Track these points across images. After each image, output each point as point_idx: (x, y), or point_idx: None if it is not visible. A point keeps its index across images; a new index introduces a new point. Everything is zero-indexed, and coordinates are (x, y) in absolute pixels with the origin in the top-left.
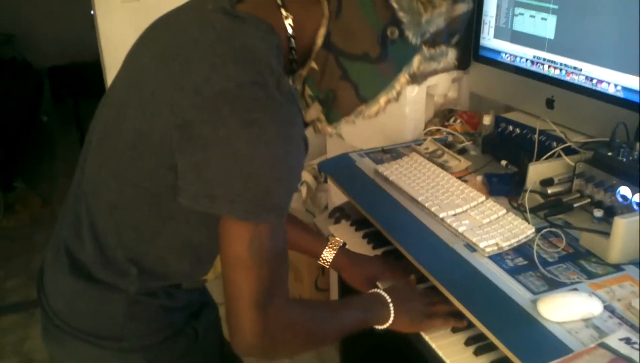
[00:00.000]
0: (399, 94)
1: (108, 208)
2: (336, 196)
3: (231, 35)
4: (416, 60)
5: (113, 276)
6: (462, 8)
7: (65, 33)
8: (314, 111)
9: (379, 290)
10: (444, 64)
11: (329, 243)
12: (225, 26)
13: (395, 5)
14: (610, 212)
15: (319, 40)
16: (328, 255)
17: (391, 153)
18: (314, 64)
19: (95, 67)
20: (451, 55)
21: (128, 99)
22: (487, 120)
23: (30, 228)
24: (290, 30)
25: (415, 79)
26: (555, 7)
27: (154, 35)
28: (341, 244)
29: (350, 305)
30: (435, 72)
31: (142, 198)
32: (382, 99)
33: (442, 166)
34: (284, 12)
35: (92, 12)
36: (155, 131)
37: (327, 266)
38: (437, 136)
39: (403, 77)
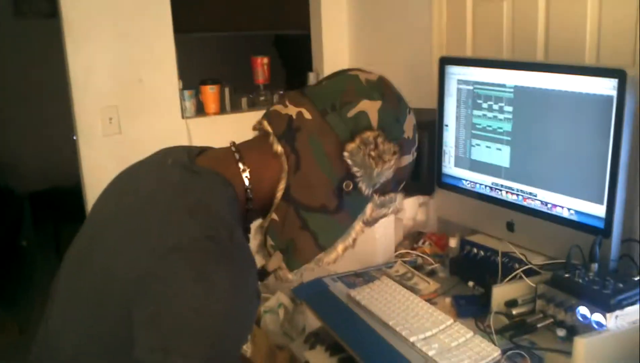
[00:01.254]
0: (354, 241)
1: (69, 361)
2: (313, 319)
3: (186, 189)
4: (369, 208)
5: None
6: (407, 160)
7: (47, 158)
8: (275, 261)
9: None
10: (392, 209)
11: None
12: (180, 181)
13: (349, 160)
14: (573, 331)
15: (279, 193)
16: None
17: (363, 276)
18: (274, 216)
19: (76, 192)
20: (399, 200)
21: (89, 254)
22: (452, 243)
23: (6, 357)
24: (247, 183)
25: (368, 224)
26: (509, 138)
27: (117, 188)
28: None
29: None
30: (385, 216)
31: (102, 353)
32: (340, 247)
33: (412, 289)
34: (241, 166)
35: (74, 137)
36: (113, 287)
37: None
38: (407, 259)
39: (358, 225)
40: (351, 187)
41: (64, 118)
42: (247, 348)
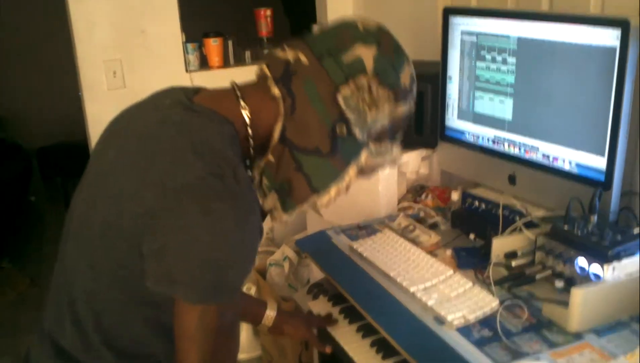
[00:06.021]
0: (348, 186)
1: (86, 295)
2: (317, 271)
3: (188, 129)
4: (363, 155)
5: (94, 360)
6: (403, 109)
7: (54, 114)
8: (270, 200)
9: None
10: (389, 159)
11: (268, 305)
12: (182, 120)
13: (342, 104)
14: (571, 282)
15: (276, 135)
16: (270, 314)
17: (366, 229)
18: (270, 157)
19: (82, 147)
20: (396, 151)
21: (97, 194)
22: (455, 196)
23: (17, 309)
24: (247, 120)
25: (364, 172)
26: (512, 90)
27: (117, 130)
28: (277, 304)
29: None
30: (381, 166)
31: (116, 284)
32: (333, 190)
33: (414, 242)
34: (242, 103)
35: (79, 93)
36: (123, 221)
37: (270, 325)
38: (409, 212)
39: (352, 171)
40: (345, 131)
41: (70, 74)
42: (250, 287)
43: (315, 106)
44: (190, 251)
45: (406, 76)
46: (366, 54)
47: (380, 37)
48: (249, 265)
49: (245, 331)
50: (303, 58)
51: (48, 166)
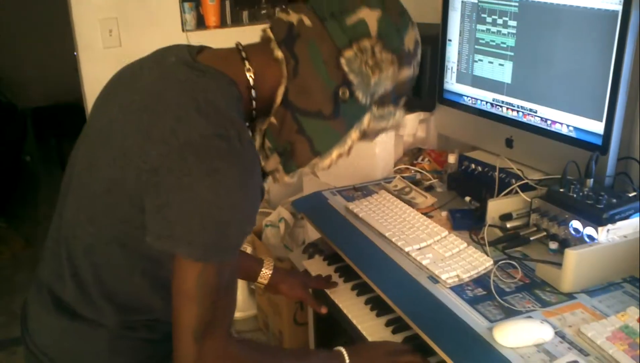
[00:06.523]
0: (350, 149)
1: (85, 249)
2: (312, 232)
3: (194, 88)
4: (366, 118)
5: (94, 313)
6: (407, 73)
7: (49, 74)
8: (272, 162)
9: (340, 349)
10: (392, 123)
11: (265, 263)
12: (187, 79)
13: (345, 67)
14: (565, 244)
15: (278, 98)
16: (267, 272)
17: (362, 190)
18: (273, 119)
19: (77, 107)
20: (399, 115)
21: (99, 149)
22: (451, 159)
23: (12, 268)
24: (251, 82)
25: (366, 136)
26: (512, 53)
27: (119, 87)
28: (273, 263)
29: (300, 357)
30: (384, 130)
31: (116, 239)
32: (335, 153)
33: (410, 203)
34: (247, 65)
35: (75, 53)
36: (126, 177)
37: (266, 283)
38: (406, 174)
39: (354, 134)
40: (347, 94)
41: (65, 33)
42: (246, 248)
43: (318, 68)
44: (192, 209)
45: (410, 40)
46: (370, 17)
47: (385, 1)
48: (249, 225)
49: (241, 290)
50: (307, 21)
51: (43, 126)
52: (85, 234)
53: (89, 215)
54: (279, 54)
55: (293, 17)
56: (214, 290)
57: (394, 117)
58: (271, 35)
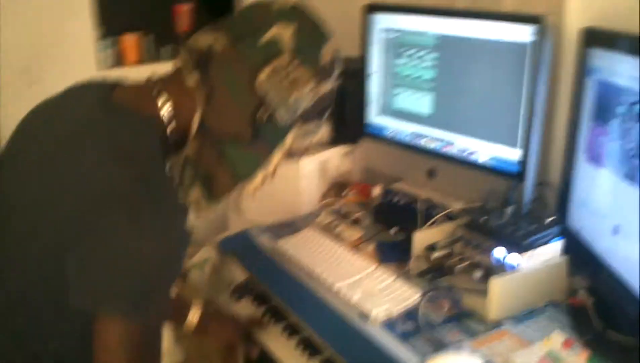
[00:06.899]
0: (275, 170)
1: (11, 305)
2: (239, 272)
3: (109, 132)
4: (289, 137)
5: None
6: (327, 87)
7: None
8: (194, 193)
9: None
10: (317, 139)
11: (193, 305)
12: (101, 122)
13: (262, 88)
14: (489, 272)
15: (194, 125)
16: (195, 314)
17: (289, 227)
18: (191, 147)
19: None
20: (323, 130)
21: (16, 201)
22: (376, 191)
23: None
24: (167, 115)
25: (292, 154)
26: (432, 86)
27: (32, 132)
28: (201, 305)
29: None
30: (310, 146)
31: (44, 296)
32: (259, 177)
33: (338, 237)
34: (161, 99)
35: None
36: (45, 231)
37: (194, 326)
38: (332, 208)
39: (278, 155)
40: (266, 116)
41: None
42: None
43: (233, 92)
44: (114, 262)
45: (328, 52)
46: (283, 33)
47: (298, 15)
48: (177, 271)
49: (167, 336)
50: (218, 45)
51: None
52: (8, 292)
53: (12, 273)
54: (190, 81)
55: (204, 42)
56: (140, 345)
57: (318, 133)
58: (183, 62)
